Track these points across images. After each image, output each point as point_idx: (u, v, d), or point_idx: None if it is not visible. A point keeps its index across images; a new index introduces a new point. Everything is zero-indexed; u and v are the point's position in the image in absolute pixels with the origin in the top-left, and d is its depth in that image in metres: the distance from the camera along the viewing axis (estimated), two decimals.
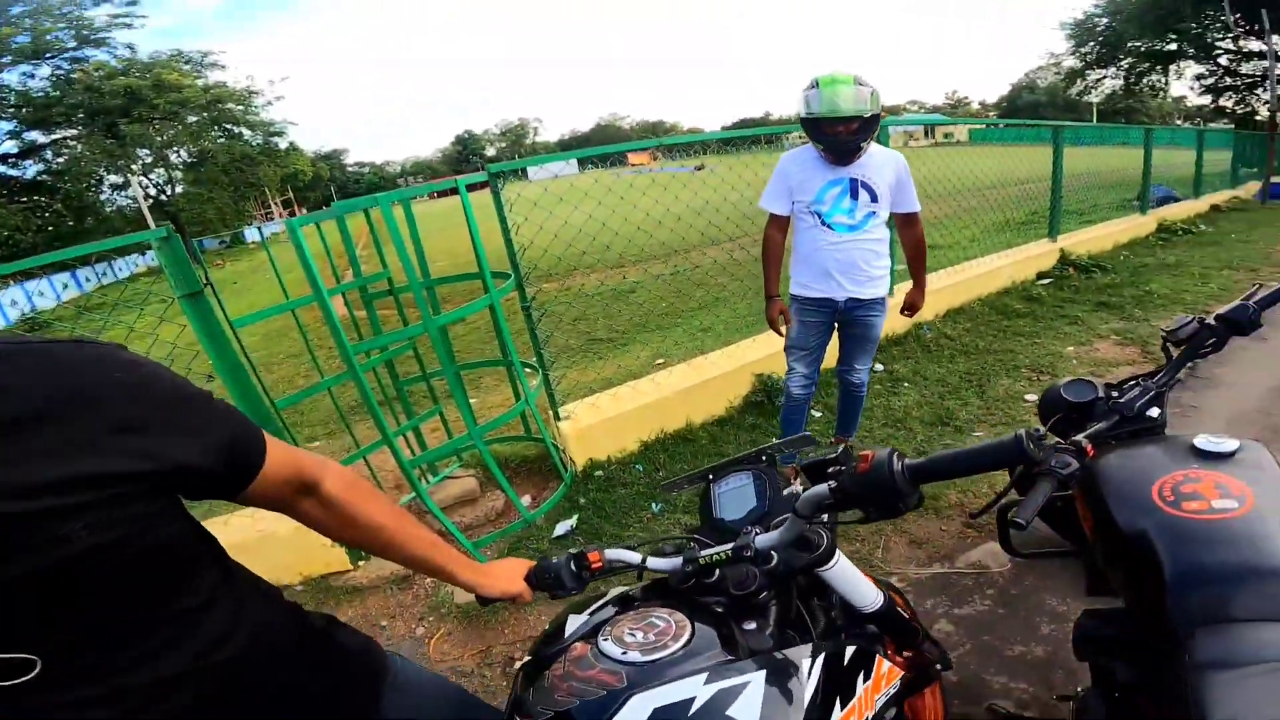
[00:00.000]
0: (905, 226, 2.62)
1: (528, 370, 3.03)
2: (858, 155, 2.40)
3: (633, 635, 0.78)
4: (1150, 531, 1.04)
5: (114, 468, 0.56)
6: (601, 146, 3.15)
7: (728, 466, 1.09)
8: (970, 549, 2.37)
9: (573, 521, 2.74)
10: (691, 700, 0.68)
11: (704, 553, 0.87)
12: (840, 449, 0.85)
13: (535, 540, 2.67)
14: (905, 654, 0.95)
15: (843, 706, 0.77)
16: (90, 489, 0.55)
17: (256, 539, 2.45)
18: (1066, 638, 1.23)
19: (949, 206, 5.54)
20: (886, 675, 0.87)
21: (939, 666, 1.03)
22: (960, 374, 4.01)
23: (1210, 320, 1.42)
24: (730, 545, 0.86)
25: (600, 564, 0.97)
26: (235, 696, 0.69)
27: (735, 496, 1.04)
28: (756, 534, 0.86)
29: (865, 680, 0.83)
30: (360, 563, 2.60)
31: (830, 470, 0.81)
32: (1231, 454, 1.14)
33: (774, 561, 0.84)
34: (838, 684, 0.78)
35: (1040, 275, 5.96)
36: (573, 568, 0.97)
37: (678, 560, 0.90)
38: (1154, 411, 1.40)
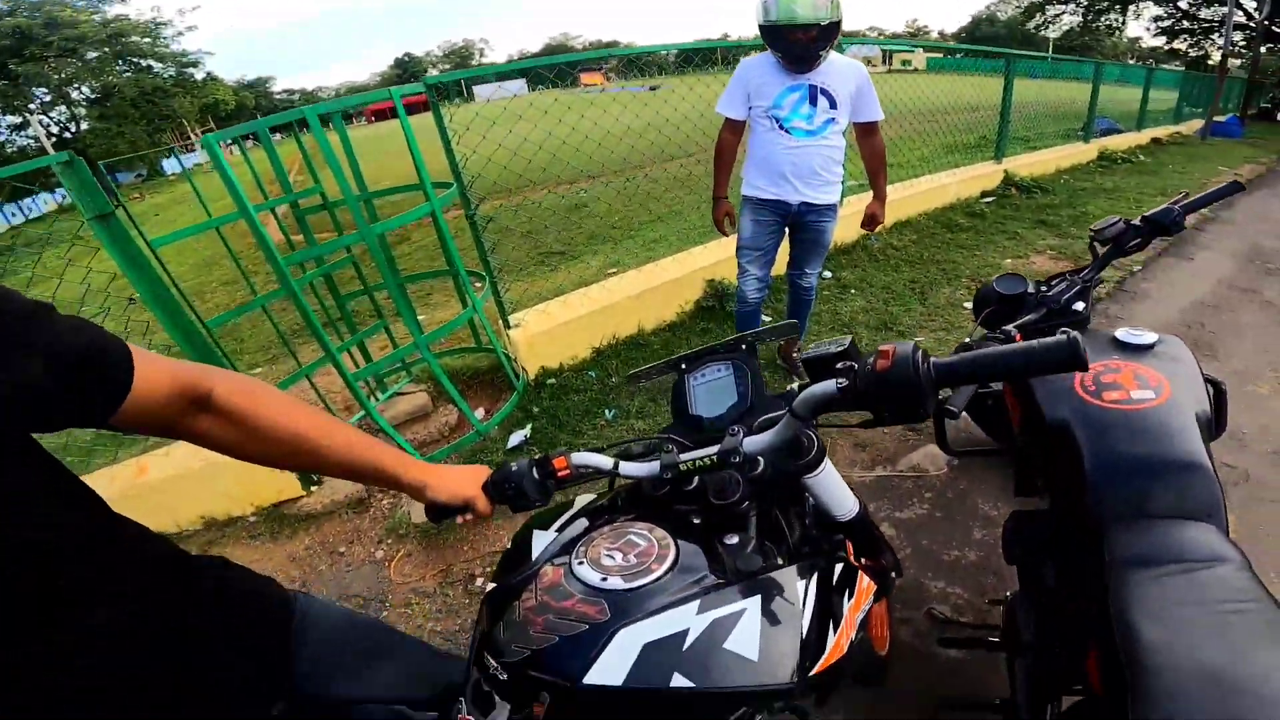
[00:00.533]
0: (865, 136, 2.60)
1: (476, 284, 2.94)
2: (817, 63, 2.37)
3: (610, 557, 0.70)
4: (1071, 421, 1.06)
5: None
6: (550, 57, 2.96)
7: (702, 355, 0.97)
8: (911, 451, 2.47)
9: (526, 431, 2.73)
10: (685, 633, 0.62)
11: (684, 457, 0.78)
12: (848, 342, 0.74)
13: (490, 453, 2.66)
14: (866, 561, 0.91)
15: (834, 630, 0.73)
16: None
17: (200, 469, 2.37)
18: (997, 543, 1.26)
19: (903, 128, 5.55)
20: (865, 591, 0.84)
21: (894, 575, 1.00)
22: (905, 282, 4.13)
23: (1136, 221, 1.48)
24: (715, 449, 0.76)
25: (567, 471, 0.84)
26: (147, 643, 0.63)
27: (713, 390, 0.93)
28: (744, 436, 0.76)
29: (849, 599, 0.79)
30: (313, 487, 2.55)
31: (840, 366, 0.69)
32: (1151, 346, 1.18)
33: (760, 467, 0.76)
34: (828, 607, 0.74)
35: (984, 194, 6.13)
36: (536, 476, 0.85)
37: (654, 465, 0.80)
38: (1079, 306, 1.47)
